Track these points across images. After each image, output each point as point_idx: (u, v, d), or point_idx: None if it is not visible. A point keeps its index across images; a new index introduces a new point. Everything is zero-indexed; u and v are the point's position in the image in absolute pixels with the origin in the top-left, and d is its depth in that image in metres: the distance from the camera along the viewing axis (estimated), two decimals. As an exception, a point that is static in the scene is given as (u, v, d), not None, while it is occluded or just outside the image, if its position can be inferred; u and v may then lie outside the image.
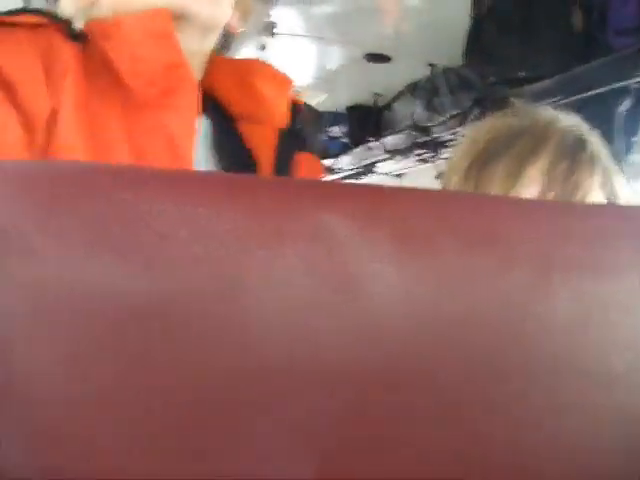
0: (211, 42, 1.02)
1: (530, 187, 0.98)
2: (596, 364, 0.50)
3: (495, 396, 0.47)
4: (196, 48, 0.99)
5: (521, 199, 0.67)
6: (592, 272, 0.49)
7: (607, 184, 1.02)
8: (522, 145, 1.03)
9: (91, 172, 0.46)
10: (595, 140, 1.05)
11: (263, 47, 2.83)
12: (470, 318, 0.47)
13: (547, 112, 1.10)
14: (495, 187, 1.01)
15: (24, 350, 0.42)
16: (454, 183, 1.07)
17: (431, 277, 0.46)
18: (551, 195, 0.97)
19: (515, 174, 1.00)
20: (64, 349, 0.42)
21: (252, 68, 1.09)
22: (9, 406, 0.42)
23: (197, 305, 0.43)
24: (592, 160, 1.01)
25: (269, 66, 1.13)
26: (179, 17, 0.93)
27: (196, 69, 0.99)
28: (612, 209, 0.63)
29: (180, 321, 0.43)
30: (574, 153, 1.01)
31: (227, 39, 1.08)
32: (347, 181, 5.27)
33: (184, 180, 0.46)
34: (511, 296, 0.47)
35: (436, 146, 4.00)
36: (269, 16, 2.65)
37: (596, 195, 1.00)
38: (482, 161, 1.05)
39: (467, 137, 1.14)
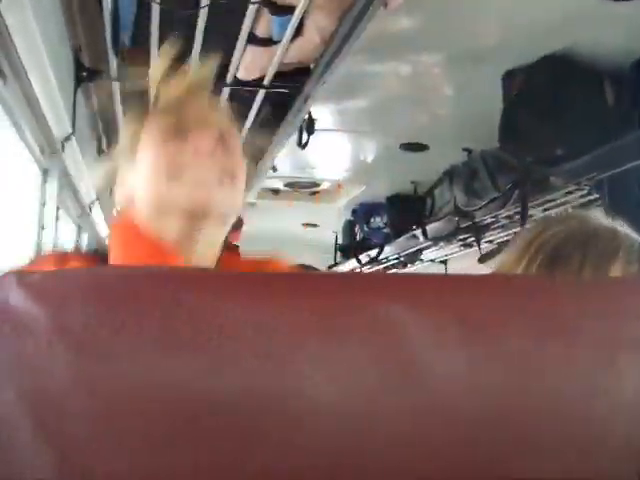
0: (226, 231, 1.19)
1: None
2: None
3: (564, 472, 0.47)
4: (216, 239, 1.16)
5: (582, 279, 0.66)
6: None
7: None
8: (602, 246, 1.08)
9: (160, 276, 0.48)
10: None
11: (304, 145, 2.88)
12: (538, 402, 0.46)
13: (599, 216, 1.16)
14: None
15: (100, 448, 0.43)
16: None
17: (498, 363, 0.46)
18: None
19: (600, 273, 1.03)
20: (139, 445, 0.43)
21: (266, 267, 1.19)
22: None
23: (263, 401, 0.43)
24: None
25: (283, 261, 1.24)
26: (201, 215, 1.09)
27: (211, 259, 1.14)
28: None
29: (246, 417, 0.43)
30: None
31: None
32: (392, 271, 5.26)
33: (247, 281, 0.47)
34: (579, 376, 0.47)
35: (478, 230, 3.99)
36: (309, 114, 2.70)
37: None
38: (549, 262, 1.09)
39: (522, 240, 1.18)
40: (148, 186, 1.17)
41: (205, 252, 1.13)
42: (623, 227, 1.14)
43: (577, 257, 1.08)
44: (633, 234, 1.13)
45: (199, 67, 1.32)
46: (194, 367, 0.44)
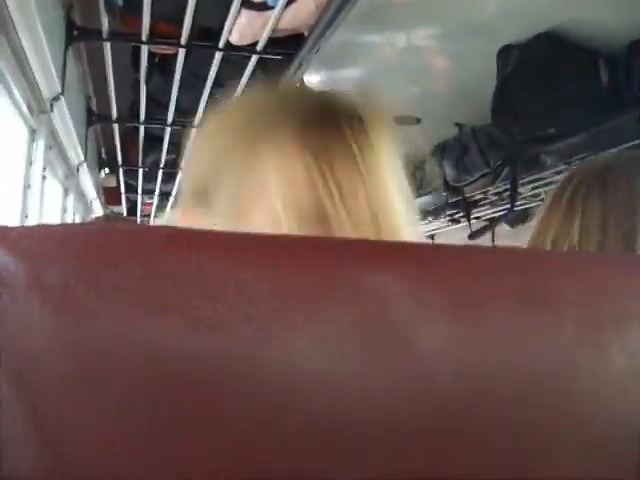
0: None
1: None
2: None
3: (548, 449, 0.46)
4: None
5: (568, 253, 0.66)
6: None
7: None
8: None
9: (142, 234, 0.47)
10: None
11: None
12: (522, 376, 0.46)
13: None
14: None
15: (74, 407, 0.42)
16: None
17: (482, 336, 0.46)
18: None
19: None
20: (114, 406, 0.42)
21: None
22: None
23: (245, 364, 0.43)
24: None
25: None
26: None
27: None
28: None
29: (228, 380, 0.42)
30: None
31: None
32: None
33: (231, 242, 0.47)
34: (563, 352, 0.46)
35: (467, 206, 3.99)
36: (301, 81, 2.68)
37: None
38: (598, 191, 1.14)
39: (559, 185, 1.22)
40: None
41: None
42: None
43: (624, 180, 1.11)
44: None
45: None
46: (174, 328, 0.43)
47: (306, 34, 2.23)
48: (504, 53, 2.76)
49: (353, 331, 0.44)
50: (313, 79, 3.00)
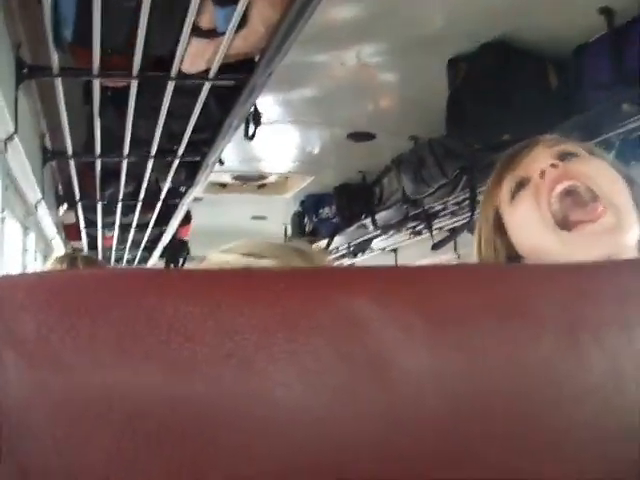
0: None
1: None
2: (632, 421, 0.49)
3: (537, 458, 0.47)
4: None
5: (544, 265, 0.67)
6: (621, 328, 0.48)
7: None
8: None
9: (116, 279, 0.46)
10: None
11: (252, 137, 2.86)
12: (505, 390, 0.46)
13: None
14: None
15: (58, 458, 0.42)
16: None
17: (462, 353, 0.46)
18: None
19: None
20: (97, 455, 0.42)
21: None
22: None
23: (227, 404, 0.42)
24: None
25: None
26: None
27: None
28: (633, 264, 0.63)
29: (211, 421, 0.42)
30: None
31: None
32: (343, 260, 5.28)
33: (207, 280, 0.46)
34: (545, 362, 0.47)
35: (428, 217, 4.01)
36: (255, 106, 2.68)
37: None
38: None
39: None
40: None
41: None
42: None
43: None
44: None
45: None
46: (153, 371, 0.43)
47: (257, 58, 2.23)
48: (453, 64, 2.79)
49: (335, 359, 0.44)
50: (267, 102, 3.01)
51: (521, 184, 1.13)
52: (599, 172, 1.10)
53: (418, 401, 0.45)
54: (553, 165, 1.10)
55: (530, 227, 1.12)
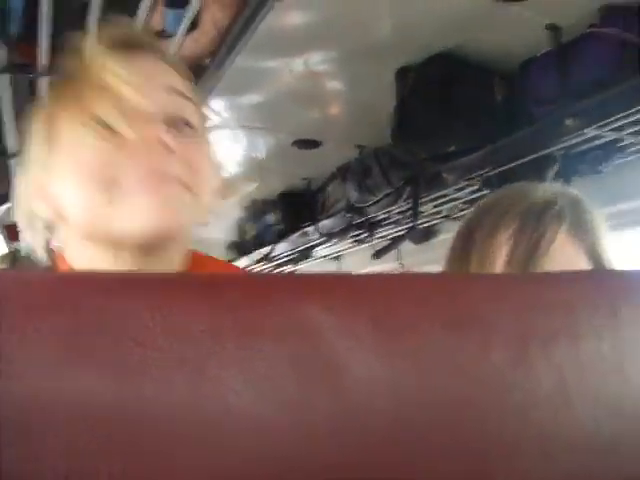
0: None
1: (501, 249, 1.07)
2: (580, 431, 0.49)
3: (486, 473, 0.47)
4: (178, 261, 0.95)
5: (495, 275, 0.67)
6: (568, 339, 0.49)
7: (579, 233, 1.09)
8: (492, 217, 1.13)
9: (62, 281, 0.45)
10: (570, 201, 1.13)
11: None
12: (454, 399, 0.46)
13: (531, 186, 1.23)
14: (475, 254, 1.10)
15: (16, 459, 0.40)
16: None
17: (413, 362, 0.46)
18: (519, 251, 1.03)
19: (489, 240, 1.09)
20: (43, 464, 0.41)
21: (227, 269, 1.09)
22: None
23: (177, 409, 0.42)
24: (560, 215, 1.09)
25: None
26: (163, 244, 0.88)
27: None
28: (584, 276, 0.64)
29: (162, 427, 0.41)
30: (540, 213, 1.09)
31: None
32: (286, 267, 5.27)
33: (157, 283, 0.46)
34: (493, 373, 0.47)
35: (371, 226, 4.03)
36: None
37: (564, 243, 1.07)
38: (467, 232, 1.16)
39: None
40: (77, 204, 0.89)
41: None
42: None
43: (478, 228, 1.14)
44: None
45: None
46: (102, 375, 0.42)
47: (207, 62, 2.22)
48: (401, 74, 2.81)
49: (287, 366, 0.44)
50: (216, 106, 3.00)
51: None
52: None
53: (369, 409, 0.45)
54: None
55: None
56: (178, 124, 0.95)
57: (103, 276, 0.47)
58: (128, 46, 0.96)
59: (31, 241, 0.98)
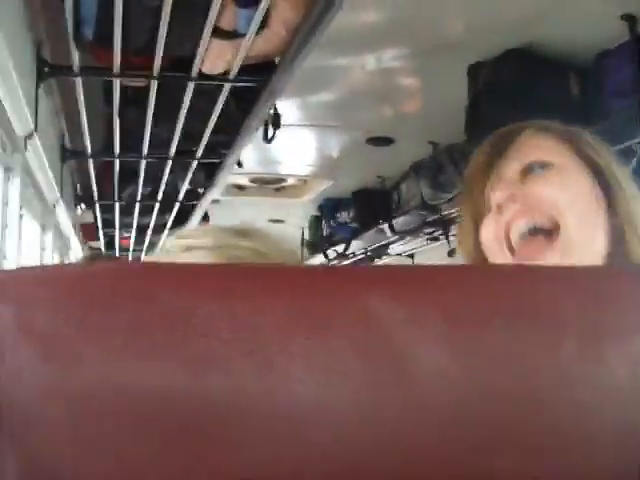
0: None
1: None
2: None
3: (555, 467, 0.46)
4: None
5: (569, 267, 0.66)
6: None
7: (558, 132, 1.10)
8: None
9: (129, 272, 0.46)
10: None
11: (270, 140, 2.86)
12: (525, 394, 0.45)
13: None
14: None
15: (73, 455, 0.41)
16: None
17: (482, 354, 0.45)
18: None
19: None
20: (113, 457, 0.41)
21: None
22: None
23: (244, 401, 0.42)
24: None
25: None
26: None
27: None
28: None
29: (232, 418, 0.41)
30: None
31: None
32: (360, 265, 5.28)
33: (224, 275, 0.46)
34: (565, 367, 0.46)
35: (445, 223, 4.01)
36: (274, 108, 2.68)
37: (532, 134, 1.21)
38: None
39: None
40: None
41: None
42: None
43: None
44: None
45: None
46: (169, 368, 0.42)
47: (278, 60, 2.24)
48: (474, 70, 2.78)
49: (355, 358, 0.44)
50: (286, 105, 3.01)
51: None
52: (562, 194, 1.09)
53: (437, 402, 0.45)
54: (512, 197, 1.09)
55: (489, 244, 1.13)
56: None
57: (169, 268, 0.47)
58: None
59: None
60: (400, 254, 5.08)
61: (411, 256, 5.12)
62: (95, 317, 0.42)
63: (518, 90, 2.66)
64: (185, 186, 3.76)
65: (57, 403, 0.41)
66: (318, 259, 5.38)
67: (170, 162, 3.25)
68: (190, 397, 0.42)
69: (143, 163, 3.35)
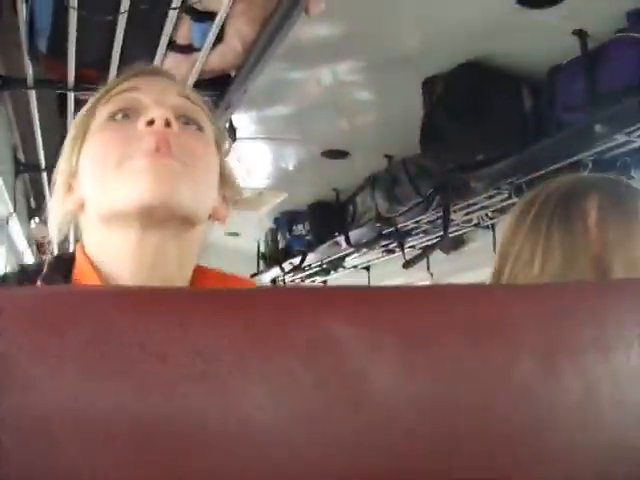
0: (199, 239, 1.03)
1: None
2: (610, 440, 0.49)
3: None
4: (189, 252, 1.01)
5: (521, 285, 0.67)
6: (596, 350, 0.48)
7: None
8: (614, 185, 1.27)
9: (83, 296, 0.45)
10: None
11: (226, 153, 2.85)
12: (481, 410, 0.46)
13: None
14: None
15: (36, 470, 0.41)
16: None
17: (439, 373, 0.46)
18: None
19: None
20: (72, 474, 0.41)
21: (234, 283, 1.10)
22: None
23: (198, 423, 0.41)
24: None
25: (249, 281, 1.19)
26: (160, 219, 0.93)
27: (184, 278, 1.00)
28: (613, 285, 0.63)
29: (180, 440, 0.41)
30: None
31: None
32: (316, 278, 5.27)
33: (179, 298, 0.46)
34: (520, 383, 0.46)
35: (401, 236, 4.03)
36: (230, 122, 2.68)
37: None
38: (564, 203, 1.22)
39: (523, 199, 1.32)
40: (92, 182, 0.99)
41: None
42: None
43: (593, 193, 1.15)
44: None
45: None
46: (123, 391, 0.42)
47: (233, 74, 2.23)
48: (429, 84, 2.81)
49: (310, 379, 0.44)
50: (242, 118, 3.01)
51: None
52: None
53: (391, 421, 0.45)
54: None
55: None
56: (189, 123, 1.02)
57: (125, 291, 0.47)
58: (150, 73, 1.12)
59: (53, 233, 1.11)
60: (356, 266, 5.09)
61: (367, 268, 5.12)
62: (49, 343, 0.41)
63: (472, 104, 2.69)
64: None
65: (11, 429, 0.40)
66: (274, 272, 5.37)
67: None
68: (144, 420, 0.41)
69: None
